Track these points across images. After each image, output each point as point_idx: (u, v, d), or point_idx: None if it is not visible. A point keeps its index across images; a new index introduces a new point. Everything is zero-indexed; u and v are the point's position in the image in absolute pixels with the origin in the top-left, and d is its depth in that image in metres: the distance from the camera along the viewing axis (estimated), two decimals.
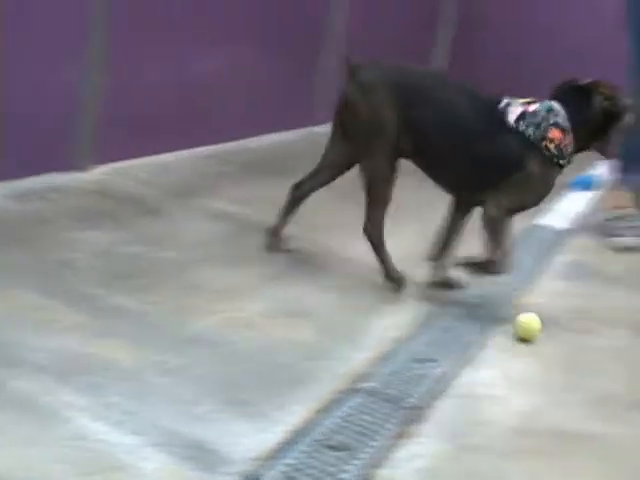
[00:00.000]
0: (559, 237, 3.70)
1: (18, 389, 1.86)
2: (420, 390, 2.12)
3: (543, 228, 3.79)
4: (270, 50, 4.28)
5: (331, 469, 1.73)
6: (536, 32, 6.17)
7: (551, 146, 2.64)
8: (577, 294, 3.01)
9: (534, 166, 2.64)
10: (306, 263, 2.88)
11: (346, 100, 2.73)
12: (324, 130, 4.81)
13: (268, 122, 4.39)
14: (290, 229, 2.97)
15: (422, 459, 1.84)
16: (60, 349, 2.05)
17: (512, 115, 2.65)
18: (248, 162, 3.97)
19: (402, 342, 2.37)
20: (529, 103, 2.68)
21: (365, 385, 2.09)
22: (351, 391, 2.06)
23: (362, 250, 2.76)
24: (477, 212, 2.74)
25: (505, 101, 2.68)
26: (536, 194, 2.70)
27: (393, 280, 2.75)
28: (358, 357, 2.24)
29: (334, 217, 3.35)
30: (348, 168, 2.86)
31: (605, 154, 2.84)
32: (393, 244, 2.78)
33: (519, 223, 3.76)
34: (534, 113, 2.65)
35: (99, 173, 3.51)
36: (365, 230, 2.74)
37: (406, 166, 2.73)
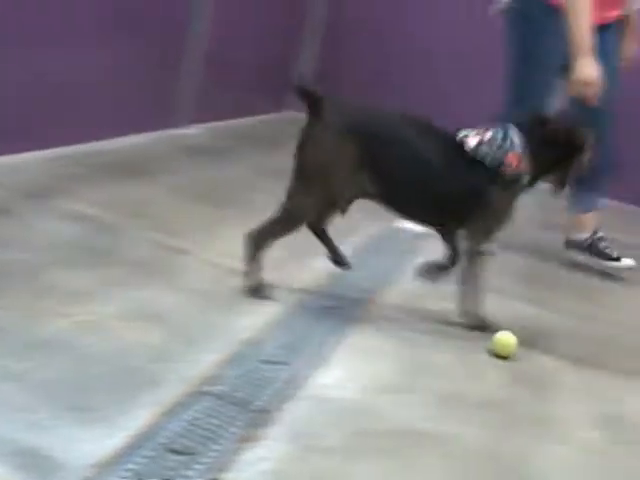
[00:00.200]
0: (418, 239, 3.74)
1: None
2: (269, 393, 2.10)
3: (404, 230, 3.83)
4: (127, 51, 4.19)
5: (171, 473, 1.70)
6: (404, 38, 6.24)
7: (508, 170, 2.71)
8: (432, 296, 3.04)
9: (495, 193, 2.72)
10: (161, 265, 2.83)
11: (309, 138, 2.66)
12: (185, 132, 4.82)
13: (126, 124, 4.31)
14: (146, 231, 2.92)
15: (267, 462, 1.82)
16: None
17: (470, 144, 2.72)
18: (104, 164, 3.88)
19: (253, 344, 2.35)
20: (484, 131, 2.76)
21: (212, 388, 2.06)
22: (198, 394, 2.02)
23: (217, 251, 2.73)
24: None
25: (462, 133, 2.75)
26: (501, 220, 2.79)
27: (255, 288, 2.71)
28: (208, 359, 2.21)
29: (189, 219, 3.30)
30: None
31: (560, 187, 2.89)
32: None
33: (380, 224, 3.83)
34: (490, 141, 2.73)
35: None
36: (250, 235, 2.70)
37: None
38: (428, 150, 2.71)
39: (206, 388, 2.05)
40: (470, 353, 2.63)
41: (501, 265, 3.45)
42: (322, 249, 2.88)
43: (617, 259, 3.79)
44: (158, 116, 4.59)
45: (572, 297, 3.45)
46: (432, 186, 2.72)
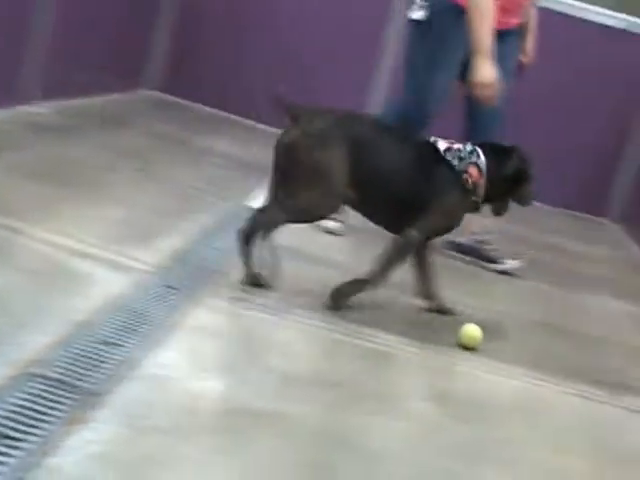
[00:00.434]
0: None
1: None
2: (100, 374, 2.04)
3: (251, 210, 3.81)
4: None
5: None
6: (256, 31, 6.22)
7: (469, 180, 2.88)
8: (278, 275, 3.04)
9: (451, 196, 2.88)
10: None
11: (292, 147, 2.75)
12: (33, 110, 4.67)
13: None
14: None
15: (95, 445, 1.78)
16: None
17: (441, 147, 2.91)
18: None
19: (87, 326, 2.29)
20: (452, 143, 2.94)
21: (40, 370, 2.00)
22: (24, 377, 1.95)
23: (54, 231, 2.66)
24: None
25: (433, 138, 2.94)
26: (448, 222, 2.94)
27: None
28: (38, 341, 2.13)
29: (28, 197, 3.20)
30: None
31: (500, 212, 3.08)
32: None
33: (229, 203, 3.81)
34: (458, 149, 2.92)
35: None
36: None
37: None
38: (401, 155, 2.87)
39: (33, 370, 1.99)
40: (313, 332, 2.63)
41: (365, 247, 3.49)
42: (167, 229, 2.83)
43: (495, 261, 3.85)
44: (5, 93, 4.44)
45: None
46: (402, 189, 2.86)
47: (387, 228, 2.95)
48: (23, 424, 1.78)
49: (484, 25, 3.45)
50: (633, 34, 5.94)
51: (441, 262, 3.44)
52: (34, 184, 3.30)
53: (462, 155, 2.91)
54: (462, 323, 2.85)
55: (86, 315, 2.35)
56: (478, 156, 2.92)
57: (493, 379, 2.63)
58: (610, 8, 5.96)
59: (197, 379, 2.16)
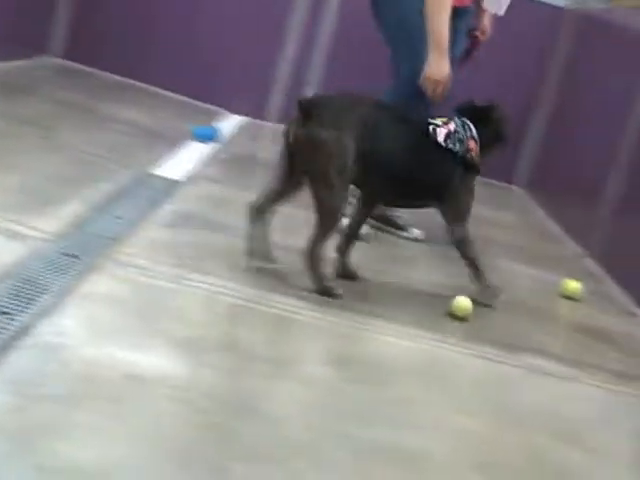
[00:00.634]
0: (172, 187, 3.70)
1: None
2: None
3: (157, 178, 3.78)
4: None
5: None
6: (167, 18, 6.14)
7: (472, 155, 3.07)
8: (177, 242, 3.02)
9: (464, 178, 3.07)
10: None
11: (307, 137, 2.80)
12: None
13: None
14: None
15: None
16: None
17: (440, 136, 3.03)
18: None
19: None
20: (446, 123, 3.06)
21: None
22: None
23: None
24: None
25: (431, 124, 3.04)
26: (472, 199, 3.12)
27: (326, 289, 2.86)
28: None
29: None
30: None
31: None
32: None
33: (132, 171, 3.77)
34: (456, 131, 3.05)
35: None
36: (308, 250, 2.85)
37: None
38: (408, 141, 3.00)
39: None
40: (213, 298, 2.62)
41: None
42: (67, 196, 2.78)
43: (403, 228, 3.86)
44: None
45: None
46: (412, 174, 3.01)
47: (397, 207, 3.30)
48: None
49: (443, 17, 3.45)
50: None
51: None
52: None
53: (460, 137, 3.05)
54: (365, 289, 2.86)
55: None
56: (470, 129, 3.08)
57: (394, 342, 2.65)
58: None
59: (92, 346, 2.14)
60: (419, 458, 1.99)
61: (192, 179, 3.90)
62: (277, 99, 5.99)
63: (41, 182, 3.28)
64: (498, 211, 5.17)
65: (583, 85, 5.55)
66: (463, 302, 3.01)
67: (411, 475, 1.91)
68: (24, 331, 2.11)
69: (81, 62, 6.11)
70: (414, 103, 3.51)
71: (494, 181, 5.88)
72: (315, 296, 2.83)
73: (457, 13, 3.57)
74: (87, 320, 2.28)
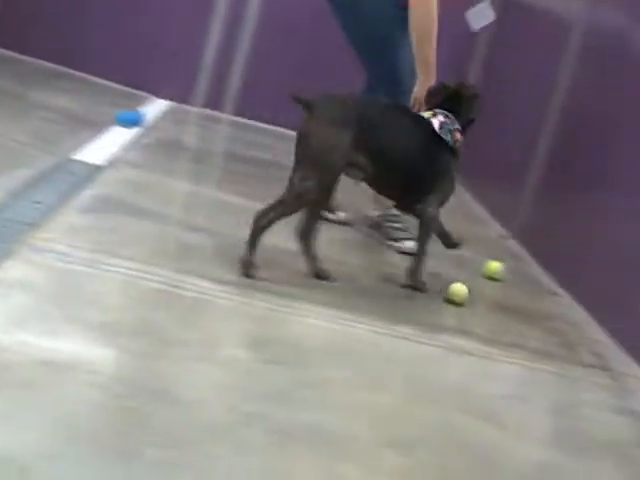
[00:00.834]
0: (94, 172, 3.66)
1: None
2: None
3: (78, 163, 3.73)
4: None
5: None
6: None
7: (458, 145, 3.21)
8: (97, 227, 2.99)
9: (453, 166, 3.22)
10: None
11: (307, 134, 2.94)
12: None
13: None
14: None
15: None
16: None
17: (436, 127, 3.17)
18: None
19: None
20: (434, 115, 3.21)
21: None
22: None
23: None
24: None
25: (426, 116, 3.21)
26: (454, 186, 3.26)
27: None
28: None
29: None
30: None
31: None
32: None
33: (53, 157, 3.72)
34: (445, 122, 3.19)
35: None
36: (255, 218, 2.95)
37: None
38: (408, 133, 3.14)
39: None
40: (129, 282, 2.60)
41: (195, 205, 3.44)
42: None
43: (397, 240, 3.81)
44: None
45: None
46: (413, 165, 3.13)
47: (397, 201, 3.30)
48: None
49: (431, 46, 3.59)
50: None
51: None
52: None
53: (450, 128, 3.19)
54: (285, 272, 2.85)
55: None
56: (453, 120, 3.21)
57: (313, 323, 2.66)
58: None
59: (5, 333, 2.10)
60: (337, 438, 1.99)
61: (114, 164, 3.86)
62: (203, 84, 5.95)
63: None
64: None
65: (504, 70, 5.61)
66: (460, 288, 3.18)
67: (329, 455, 1.91)
68: None
69: (9, 48, 6.00)
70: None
71: None
72: (234, 279, 2.83)
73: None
74: (0, 305, 2.25)
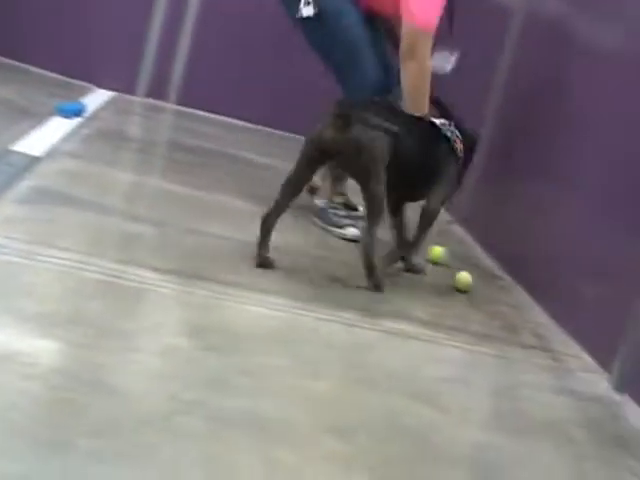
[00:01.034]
0: (31, 163, 3.61)
1: None
2: None
3: (16, 154, 3.68)
4: None
5: None
6: None
7: (457, 148, 3.38)
8: (33, 218, 2.95)
9: (455, 163, 3.39)
10: None
11: (353, 141, 3.00)
12: None
13: None
14: None
15: None
16: None
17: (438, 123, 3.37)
18: None
19: None
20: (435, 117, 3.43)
21: None
22: None
23: None
24: None
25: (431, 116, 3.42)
26: (457, 187, 3.46)
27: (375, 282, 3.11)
28: None
29: None
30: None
31: None
32: None
33: None
34: (444, 124, 3.39)
35: None
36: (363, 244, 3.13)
37: None
38: (420, 133, 3.29)
39: None
40: (66, 273, 2.56)
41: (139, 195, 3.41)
42: None
43: (341, 227, 3.78)
44: None
45: (185, 215, 3.48)
46: (424, 167, 3.29)
47: (405, 198, 3.40)
48: None
49: (424, 101, 3.58)
50: None
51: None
52: None
53: (452, 129, 3.37)
54: (225, 259, 2.83)
55: None
56: (454, 130, 3.40)
57: (252, 310, 2.65)
58: None
59: None
60: (274, 424, 1.99)
61: (53, 155, 3.81)
62: (146, 73, 5.90)
63: None
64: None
65: None
66: (465, 277, 3.37)
67: (266, 441, 1.91)
68: None
69: None
70: None
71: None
72: (176, 268, 2.80)
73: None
74: None
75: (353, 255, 3.41)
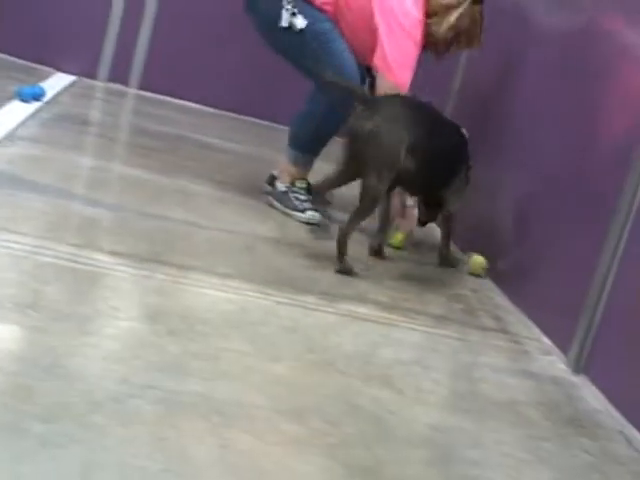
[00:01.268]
0: None
1: None
2: None
3: None
4: None
5: None
6: None
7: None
8: None
9: (467, 163, 3.47)
10: None
11: (376, 133, 3.08)
12: None
13: None
14: None
15: None
16: None
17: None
18: None
19: None
20: None
21: None
22: None
23: None
24: None
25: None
26: (469, 181, 3.49)
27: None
28: None
29: None
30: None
31: None
32: None
33: None
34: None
35: None
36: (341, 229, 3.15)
37: None
38: (444, 131, 3.37)
39: None
40: (20, 257, 2.54)
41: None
42: None
43: (302, 211, 3.75)
44: None
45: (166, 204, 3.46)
46: (445, 160, 3.34)
47: (423, 193, 3.47)
48: None
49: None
50: None
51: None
52: None
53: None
54: (186, 243, 2.82)
55: None
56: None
57: (209, 294, 2.64)
58: None
59: None
60: (230, 408, 1.99)
61: (11, 139, 3.77)
62: (107, 57, 5.84)
63: None
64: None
65: None
66: (479, 260, 3.49)
67: (220, 423, 1.90)
68: None
69: None
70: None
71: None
72: (134, 252, 2.79)
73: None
74: None
75: (315, 239, 3.42)
